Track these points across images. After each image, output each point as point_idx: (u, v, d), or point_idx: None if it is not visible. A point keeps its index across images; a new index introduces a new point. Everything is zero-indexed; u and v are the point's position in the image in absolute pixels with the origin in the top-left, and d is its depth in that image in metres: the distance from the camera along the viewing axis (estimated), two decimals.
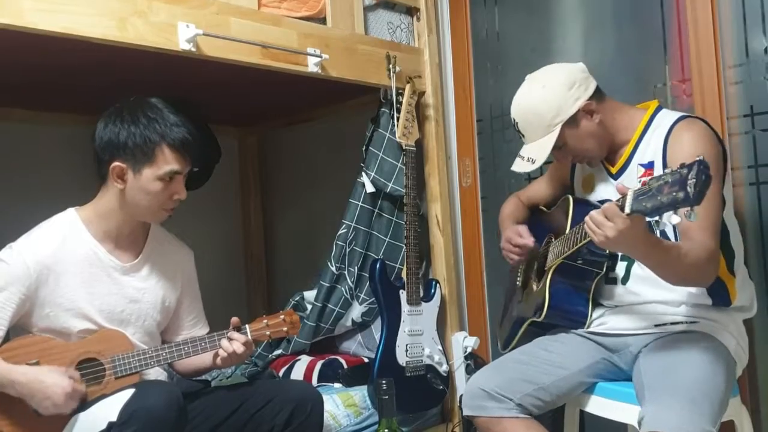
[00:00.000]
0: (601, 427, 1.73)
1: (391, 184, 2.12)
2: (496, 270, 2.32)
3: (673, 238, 1.45)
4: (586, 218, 1.30)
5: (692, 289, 1.45)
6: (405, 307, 2.04)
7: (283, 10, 1.87)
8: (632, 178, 1.52)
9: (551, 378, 1.49)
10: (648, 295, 1.50)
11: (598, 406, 1.53)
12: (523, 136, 1.57)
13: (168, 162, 1.47)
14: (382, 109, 2.14)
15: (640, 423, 1.28)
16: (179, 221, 1.67)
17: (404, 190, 2.08)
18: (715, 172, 1.33)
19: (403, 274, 2.07)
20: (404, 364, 2.01)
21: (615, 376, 1.54)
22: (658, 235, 1.40)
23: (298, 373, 2.18)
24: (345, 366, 2.18)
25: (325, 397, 1.64)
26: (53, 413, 1.36)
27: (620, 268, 1.54)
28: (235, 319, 1.57)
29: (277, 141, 3.05)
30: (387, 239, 2.19)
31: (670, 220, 1.14)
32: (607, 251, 1.51)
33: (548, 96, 1.51)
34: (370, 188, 2.12)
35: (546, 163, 1.62)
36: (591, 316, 1.58)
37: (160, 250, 1.63)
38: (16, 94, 2.09)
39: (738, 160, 1.78)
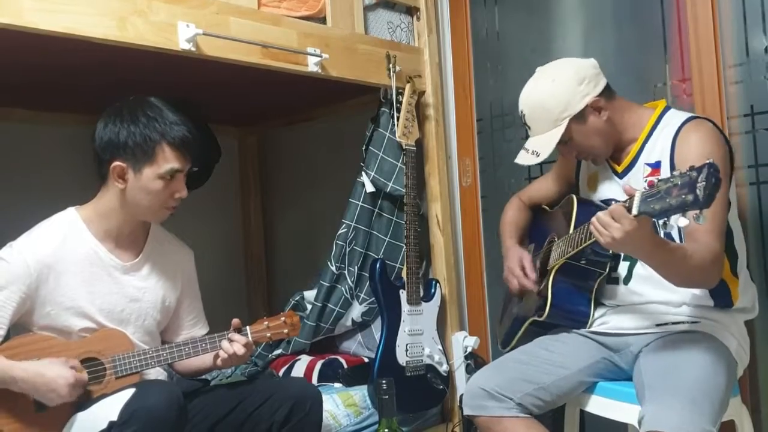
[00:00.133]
0: (601, 427, 1.73)
1: (391, 184, 2.12)
2: (496, 270, 2.31)
3: (677, 240, 1.45)
4: (593, 219, 1.29)
5: (694, 291, 1.45)
6: (405, 307, 2.04)
7: (283, 9, 1.87)
8: (638, 178, 1.52)
9: (551, 378, 1.49)
10: (650, 295, 1.50)
11: (599, 405, 1.53)
12: (530, 128, 1.56)
13: (168, 160, 1.47)
14: (382, 109, 2.14)
15: (640, 422, 1.28)
16: (179, 221, 1.67)
17: (404, 190, 2.08)
18: (723, 174, 1.33)
19: (403, 274, 2.07)
20: (404, 364, 2.01)
21: (615, 376, 1.54)
22: (662, 235, 1.40)
23: (298, 373, 2.18)
24: (345, 366, 2.18)
25: (325, 397, 1.64)
26: (59, 403, 1.37)
27: (622, 267, 1.54)
28: (235, 321, 1.57)
29: (277, 141, 3.05)
30: (387, 239, 2.18)
31: (678, 222, 1.13)
32: (611, 251, 1.51)
33: (557, 90, 1.50)
34: (370, 188, 2.12)
35: (549, 161, 1.62)
36: (593, 315, 1.58)
37: (160, 250, 1.63)
38: (16, 94, 2.09)
39: (738, 160, 1.78)
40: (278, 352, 2.25)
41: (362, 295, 2.18)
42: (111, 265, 1.53)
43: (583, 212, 1.56)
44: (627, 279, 1.54)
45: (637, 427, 1.30)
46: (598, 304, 1.60)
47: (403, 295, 2.04)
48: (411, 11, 2.28)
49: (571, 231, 1.54)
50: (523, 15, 2.28)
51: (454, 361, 2.17)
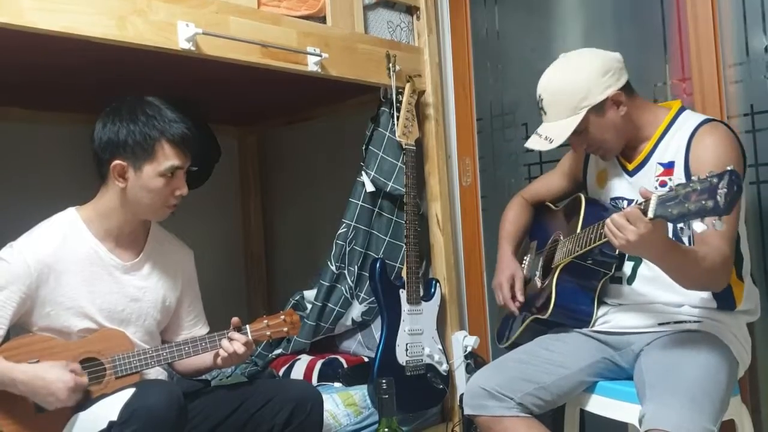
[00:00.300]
0: (602, 427, 1.73)
1: (391, 183, 2.12)
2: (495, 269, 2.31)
3: (686, 241, 1.44)
4: (607, 221, 1.29)
5: (698, 293, 1.44)
6: (405, 307, 2.04)
7: (283, 9, 1.86)
8: (650, 176, 1.51)
9: (552, 377, 1.49)
10: (654, 295, 1.50)
11: (599, 405, 1.53)
12: (545, 113, 1.53)
13: (168, 158, 1.47)
14: (382, 108, 2.14)
15: (640, 421, 1.28)
16: (179, 221, 1.67)
17: (404, 190, 2.08)
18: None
19: (403, 274, 2.07)
20: (404, 364, 2.01)
21: (615, 375, 1.54)
22: (670, 235, 1.40)
23: (298, 373, 2.18)
24: (345, 365, 2.18)
25: (325, 397, 1.64)
26: (58, 407, 1.36)
27: (627, 267, 1.54)
28: (235, 319, 1.57)
29: (276, 140, 3.05)
30: (387, 238, 2.18)
31: (695, 227, 1.13)
32: (617, 252, 1.51)
33: (580, 78, 1.48)
34: (370, 187, 2.12)
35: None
36: (596, 315, 1.58)
37: (160, 250, 1.63)
38: (15, 94, 2.08)
39: None
40: (278, 351, 2.25)
41: (362, 295, 2.17)
42: (111, 264, 1.53)
43: (591, 212, 1.55)
44: (631, 279, 1.54)
45: (638, 426, 1.30)
46: (601, 302, 1.60)
47: (403, 294, 2.04)
48: (411, 11, 2.28)
49: (578, 231, 1.53)
50: (523, 14, 2.28)
51: (454, 360, 2.17)
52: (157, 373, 1.59)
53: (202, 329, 1.71)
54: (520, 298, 1.70)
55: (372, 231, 2.17)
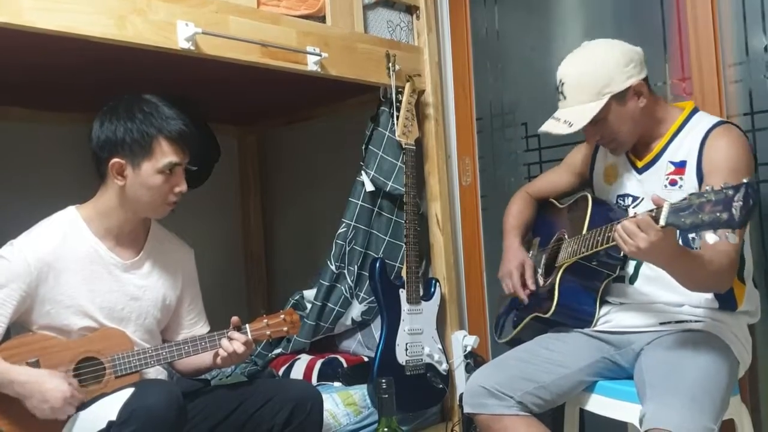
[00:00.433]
0: (601, 426, 1.73)
1: (390, 183, 2.12)
2: (495, 269, 2.31)
3: (691, 244, 1.44)
4: (618, 227, 1.28)
5: (700, 294, 1.44)
6: (405, 306, 2.04)
7: (282, 8, 1.86)
8: (660, 174, 1.51)
9: (552, 377, 1.49)
10: (655, 295, 1.50)
11: (599, 404, 1.53)
12: (565, 98, 1.51)
13: (166, 154, 1.47)
14: (382, 108, 2.14)
15: (641, 420, 1.28)
16: (179, 220, 1.67)
17: (404, 189, 2.08)
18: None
19: (403, 273, 2.07)
20: (404, 363, 2.01)
21: (615, 375, 1.54)
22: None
23: (297, 372, 2.18)
24: (345, 365, 2.18)
25: (324, 396, 1.64)
26: (48, 417, 1.35)
27: (629, 267, 1.54)
28: (235, 319, 1.57)
29: (276, 140, 3.05)
30: (387, 238, 2.18)
31: (707, 238, 1.12)
32: (622, 254, 1.51)
33: (605, 64, 1.47)
34: (369, 187, 2.12)
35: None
36: (597, 315, 1.58)
37: (160, 248, 1.63)
38: (15, 93, 2.08)
39: None
40: (278, 351, 2.25)
41: (362, 295, 2.17)
42: (111, 263, 1.53)
43: (598, 213, 1.55)
44: (633, 278, 1.54)
45: (638, 425, 1.30)
46: (603, 302, 1.59)
47: (402, 294, 2.04)
48: (411, 10, 2.28)
49: (584, 231, 1.52)
50: (522, 14, 2.28)
51: (454, 360, 2.17)
52: (157, 372, 1.59)
53: (202, 328, 1.71)
54: (531, 286, 1.66)
55: (372, 230, 2.17)
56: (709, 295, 1.45)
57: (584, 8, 2.14)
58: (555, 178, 1.83)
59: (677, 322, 1.47)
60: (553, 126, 1.50)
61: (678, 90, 1.89)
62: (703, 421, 1.22)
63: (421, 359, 2.04)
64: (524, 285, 1.69)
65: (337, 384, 2.11)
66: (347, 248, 2.13)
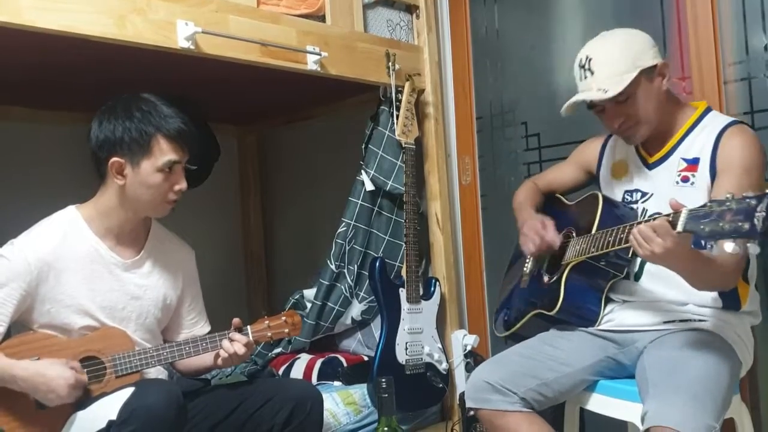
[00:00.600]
0: (601, 425, 1.73)
1: (390, 182, 2.12)
2: (495, 268, 2.31)
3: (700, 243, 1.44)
4: (634, 230, 1.28)
5: (704, 292, 1.44)
6: (405, 305, 2.04)
7: (282, 7, 1.86)
8: (671, 171, 1.51)
9: (554, 374, 1.49)
10: (660, 293, 1.50)
11: (599, 403, 1.53)
12: (593, 73, 1.49)
13: (165, 153, 1.47)
14: (382, 107, 2.14)
15: (643, 418, 1.28)
16: (179, 220, 1.67)
17: (404, 188, 2.08)
18: (762, 182, 1.36)
19: (403, 272, 2.07)
20: (404, 362, 2.01)
21: (617, 374, 1.53)
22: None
23: (297, 372, 2.18)
24: (345, 364, 2.18)
25: (324, 396, 1.64)
26: (58, 404, 1.36)
27: (634, 264, 1.54)
28: (236, 320, 1.57)
29: (276, 139, 3.05)
30: (387, 237, 2.18)
31: (725, 247, 1.10)
32: (630, 255, 1.51)
33: (634, 41, 1.49)
34: (369, 186, 2.12)
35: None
36: (602, 314, 1.58)
37: (161, 248, 1.63)
38: (15, 92, 2.08)
39: None
40: (278, 350, 2.25)
41: (362, 294, 2.18)
42: (112, 262, 1.53)
43: (608, 213, 1.54)
44: (638, 275, 1.54)
45: (640, 423, 1.30)
46: (607, 300, 1.59)
47: (402, 293, 2.04)
48: (410, 9, 2.28)
49: (594, 230, 1.52)
50: (522, 13, 2.28)
51: (454, 359, 2.17)
52: (157, 372, 1.59)
53: (203, 328, 1.71)
54: (554, 236, 1.62)
55: (372, 230, 2.17)
56: (714, 294, 1.45)
57: (584, 7, 2.14)
58: (562, 172, 1.82)
59: (681, 321, 1.47)
60: (588, 94, 1.49)
61: (678, 89, 1.89)
62: (705, 419, 1.22)
63: (421, 358, 2.05)
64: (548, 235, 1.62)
65: (337, 383, 2.11)
66: (347, 247, 2.13)
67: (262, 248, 3.05)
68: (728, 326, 1.45)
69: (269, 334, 1.60)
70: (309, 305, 2.22)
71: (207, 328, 1.71)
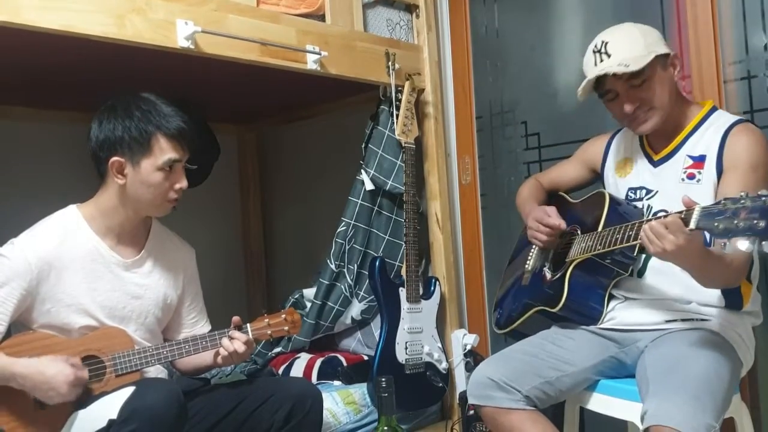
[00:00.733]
0: (601, 424, 1.73)
1: (390, 182, 2.12)
2: (495, 267, 2.31)
3: (708, 237, 1.43)
4: (645, 227, 1.28)
5: (707, 290, 1.44)
6: (404, 305, 2.04)
7: (282, 7, 1.86)
8: (677, 168, 1.51)
9: (557, 373, 1.49)
10: (663, 290, 1.50)
11: (599, 403, 1.53)
12: (609, 56, 1.49)
13: (165, 151, 1.48)
14: (382, 107, 2.14)
15: (642, 417, 1.28)
16: (179, 220, 1.67)
17: (404, 188, 2.08)
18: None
19: (403, 272, 2.07)
20: (404, 362, 2.01)
21: (618, 373, 1.53)
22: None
23: (297, 371, 2.18)
24: (344, 363, 2.18)
25: (324, 395, 1.64)
26: (58, 402, 1.36)
27: (638, 261, 1.54)
28: (236, 318, 1.57)
29: (276, 139, 3.05)
30: (386, 237, 2.19)
31: (738, 245, 1.10)
32: (636, 253, 1.51)
33: (648, 31, 1.52)
34: (369, 186, 2.12)
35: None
36: (605, 313, 1.58)
37: (161, 247, 1.63)
38: (15, 92, 2.08)
39: None
40: (278, 350, 2.25)
41: (362, 293, 2.18)
42: (112, 261, 1.53)
43: (615, 211, 1.54)
44: (641, 271, 1.53)
45: (640, 423, 1.30)
46: (610, 297, 1.59)
47: (402, 292, 2.04)
48: (410, 9, 2.28)
49: (600, 228, 1.52)
50: (522, 12, 2.28)
51: (454, 358, 2.17)
52: (157, 371, 1.59)
53: (203, 327, 1.71)
54: (559, 220, 1.62)
55: (371, 229, 2.17)
56: (717, 293, 1.45)
57: (584, 7, 2.14)
58: (566, 172, 1.82)
59: (683, 320, 1.47)
60: (606, 69, 1.47)
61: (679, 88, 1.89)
62: (705, 418, 1.22)
63: (421, 358, 2.05)
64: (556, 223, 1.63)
65: (336, 383, 2.11)
66: (347, 247, 2.13)
67: (261, 247, 3.05)
68: (730, 326, 1.45)
69: (269, 332, 1.60)
70: (309, 304, 2.22)
71: (207, 328, 1.71)
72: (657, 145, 1.58)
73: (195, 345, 1.54)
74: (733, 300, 1.46)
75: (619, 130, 1.73)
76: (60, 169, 2.32)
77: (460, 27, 2.42)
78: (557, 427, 1.66)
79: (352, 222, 2.13)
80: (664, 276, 1.49)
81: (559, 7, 2.19)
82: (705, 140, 1.50)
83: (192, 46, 1.61)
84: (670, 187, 1.51)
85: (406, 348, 2.02)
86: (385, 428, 1.34)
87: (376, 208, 2.17)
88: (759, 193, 1.10)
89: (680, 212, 1.22)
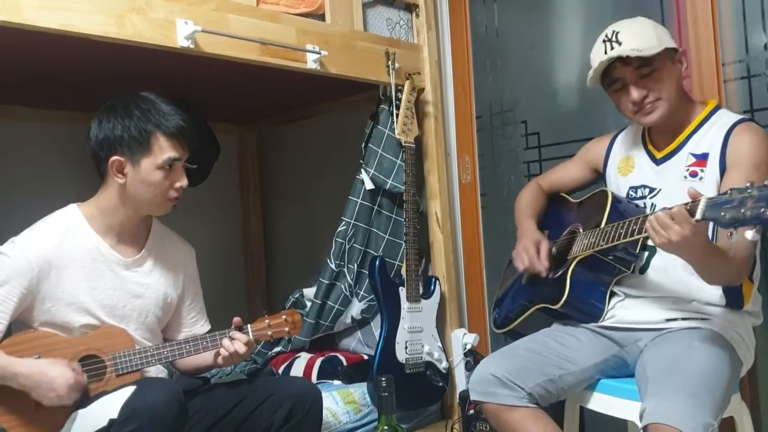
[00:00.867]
0: (601, 423, 1.73)
1: (390, 181, 2.12)
2: (495, 267, 2.31)
3: (710, 233, 1.43)
4: (651, 218, 1.28)
5: (708, 288, 1.44)
6: (404, 304, 2.04)
7: (282, 6, 1.86)
8: (679, 166, 1.51)
9: (560, 371, 1.48)
10: (664, 287, 1.50)
11: (599, 402, 1.53)
12: (620, 43, 1.49)
13: (164, 150, 1.48)
14: (382, 106, 2.14)
15: (641, 415, 1.28)
16: (178, 219, 1.67)
17: (404, 187, 2.08)
18: None
19: (403, 271, 2.08)
20: (404, 361, 2.01)
21: (620, 373, 1.53)
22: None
23: (297, 370, 2.18)
24: (344, 363, 2.18)
25: (324, 394, 1.64)
26: (56, 404, 1.36)
27: (641, 258, 1.54)
28: (237, 319, 1.57)
29: (276, 138, 3.05)
30: (386, 236, 2.19)
31: (746, 234, 1.11)
32: (638, 250, 1.51)
33: (657, 24, 1.53)
34: (369, 185, 2.12)
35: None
36: (606, 311, 1.58)
37: (162, 247, 1.63)
38: (15, 91, 2.08)
39: None
40: (278, 349, 2.25)
41: (362, 293, 2.18)
42: (113, 260, 1.53)
43: (616, 209, 1.54)
44: (644, 268, 1.53)
45: (638, 421, 1.30)
46: (612, 294, 1.59)
47: (402, 292, 2.04)
48: (410, 8, 2.28)
49: (603, 225, 1.52)
50: (522, 12, 2.28)
51: (454, 358, 2.18)
52: (157, 370, 1.59)
53: (203, 327, 1.71)
54: (545, 261, 1.64)
55: (371, 229, 2.18)
56: (719, 292, 1.45)
57: (584, 6, 2.14)
58: (568, 172, 1.82)
59: (683, 318, 1.47)
60: (619, 53, 1.47)
61: None
62: (703, 417, 1.22)
63: (421, 357, 2.05)
64: (540, 260, 1.65)
65: (336, 382, 2.11)
66: (347, 246, 2.13)
67: (261, 247, 3.05)
68: (730, 325, 1.45)
69: (269, 333, 1.60)
70: (309, 304, 2.22)
71: (207, 327, 1.71)
72: (659, 143, 1.58)
73: (196, 345, 1.54)
74: (734, 299, 1.46)
75: (622, 130, 1.73)
76: (60, 168, 2.32)
77: (460, 26, 2.42)
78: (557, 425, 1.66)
79: (352, 221, 2.13)
80: (667, 274, 1.49)
81: (559, 7, 2.19)
82: (708, 138, 1.50)
83: (192, 46, 1.61)
84: (672, 185, 1.51)
85: (406, 347, 2.02)
86: (385, 428, 1.34)
87: (376, 207, 2.17)
88: (765, 183, 1.10)
89: (686, 204, 1.22)
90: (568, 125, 2.14)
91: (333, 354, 2.23)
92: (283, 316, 1.62)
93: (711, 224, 1.39)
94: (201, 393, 1.57)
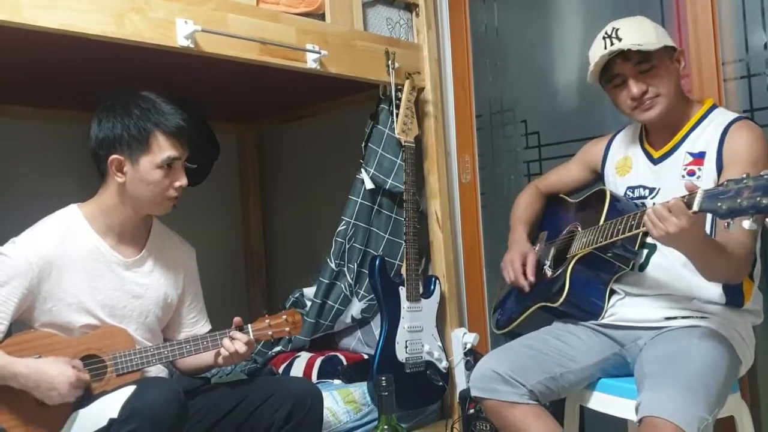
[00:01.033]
0: (601, 423, 1.73)
1: (390, 181, 2.12)
2: (495, 266, 2.31)
3: (708, 230, 1.44)
4: (648, 210, 1.28)
5: (708, 286, 1.44)
6: (404, 304, 2.04)
7: (282, 6, 1.86)
8: (677, 165, 1.52)
9: (561, 369, 1.48)
10: (664, 285, 1.50)
11: (599, 401, 1.53)
12: (620, 39, 1.49)
13: (164, 149, 1.48)
14: (381, 106, 2.14)
15: (636, 409, 1.28)
16: (178, 219, 1.67)
17: (403, 187, 2.08)
18: None
19: (403, 271, 2.07)
20: (404, 361, 2.01)
21: (621, 371, 1.53)
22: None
23: (297, 370, 2.18)
24: (344, 362, 2.18)
25: (324, 394, 1.64)
26: (59, 403, 1.36)
27: (640, 256, 1.54)
28: (237, 319, 1.57)
29: (276, 138, 3.05)
30: (386, 236, 2.19)
31: (744, 224, 1.11)
32: (636, 248, 1.51)
33: (657, 24, 1.54)
34: (369, 185, 2.12)
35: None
36: (605, 309, 1.58)
37: (162, 247, 1.63)
38: (15, 91, 2.08)
39: None
40: (278, 349, 2.25)
41: (362, 292, 2.18)
42: (113, 260, 1.53)
43: (614, 208, 1.55)
44: (643, 266, 1.54)
45: (634, 414, 1.30)
46: (611, 292, 1.59)
47: (402, 291, 2.04)
48: (410, 7, 2.28)
49: (601, 223, 1.52)
50: (522, 11, 2.28)
51: (454, 357, 2.18)
52: (158, 370, 1.59)
53: (203, 327, 1.71)
54: (531, 277, 1.67)
55: (371, 228, 2.17)
56: (719, 290, 1.45)
57: (584, 5, 2.14)
58: (566, 173, 1.83)
59: (683, 317, 1.47)
60: (621, 46, 1.48)
61: None
62: (698, 411, 1.22)
63: (421, 357, 2.05)
64: (525, 275, 1.68)
65: (337, 381, 2.11)
66: (347, 246, 2.13)
67: (261, 246, 3.05)
68: (729, 324, 1.45)
69: (270, 332, 1.60)
70: (309, 303, 2.22)
71: (207, 327, 1.71)
72: (657, 143, 1.59)
73: (196, 345, 1.54)
74: (734, 297, 1.46)
75: (620, 131, 1.73)
76: (60, 168, 2.32)
77: (459, 26, 2.42)
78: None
79: (352, 221, 2.13)
80: (667, 271, 1.49)
81: (559, 6, 2.19)
82: (705, 137, 1.50)
83: (192, 45, 1.61)
84: (670, 184, 1.51)
85: (406, 347, 2.02)
86: (385, 427, 1.34)
87: (376, 207, 2.17)
88: (761, 173, 1.11)
89: (683, 196, 1.23)
90: (568, 125, 2.14)
91: (333, 353, 2.23)
92: (284, 316, 1.62)
93: (709, 219, 1.40)
94: (201, 393, 1.58)
